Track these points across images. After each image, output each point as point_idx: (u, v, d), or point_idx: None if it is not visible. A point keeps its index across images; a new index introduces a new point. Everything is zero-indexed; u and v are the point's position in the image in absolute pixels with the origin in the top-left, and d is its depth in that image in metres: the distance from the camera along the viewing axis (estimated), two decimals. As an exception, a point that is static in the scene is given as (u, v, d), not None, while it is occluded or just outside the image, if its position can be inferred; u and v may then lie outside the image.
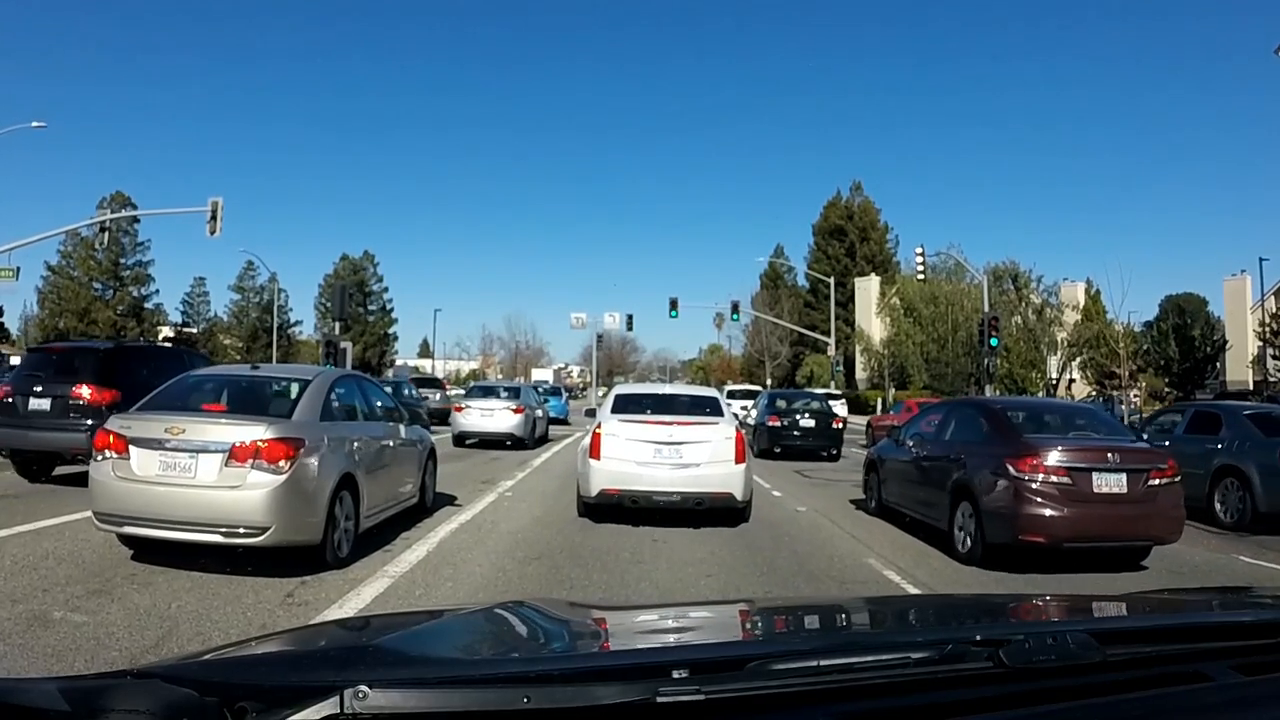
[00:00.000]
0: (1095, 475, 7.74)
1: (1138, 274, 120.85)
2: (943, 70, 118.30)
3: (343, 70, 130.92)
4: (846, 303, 67.92)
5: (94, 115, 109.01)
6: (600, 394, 72.33)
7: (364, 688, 1.20)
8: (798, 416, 20.75)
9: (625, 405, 10.65)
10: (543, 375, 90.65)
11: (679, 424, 9.93)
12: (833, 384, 48.71)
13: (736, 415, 12.42)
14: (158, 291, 74.47)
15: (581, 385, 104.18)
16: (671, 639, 2.03)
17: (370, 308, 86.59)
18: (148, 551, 6.81)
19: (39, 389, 11.15)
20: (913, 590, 7.28)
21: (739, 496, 9.71)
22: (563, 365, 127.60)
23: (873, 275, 68.11)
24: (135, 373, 11.33)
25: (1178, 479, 8.24)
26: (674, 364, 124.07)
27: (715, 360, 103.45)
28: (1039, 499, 7.66)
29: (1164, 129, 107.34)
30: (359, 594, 6.28)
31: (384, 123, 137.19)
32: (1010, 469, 7.83)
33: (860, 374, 63.40)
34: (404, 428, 9.32)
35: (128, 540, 6.90)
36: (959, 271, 49.18)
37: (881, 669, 1.42)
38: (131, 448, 6.52)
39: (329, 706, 1.19)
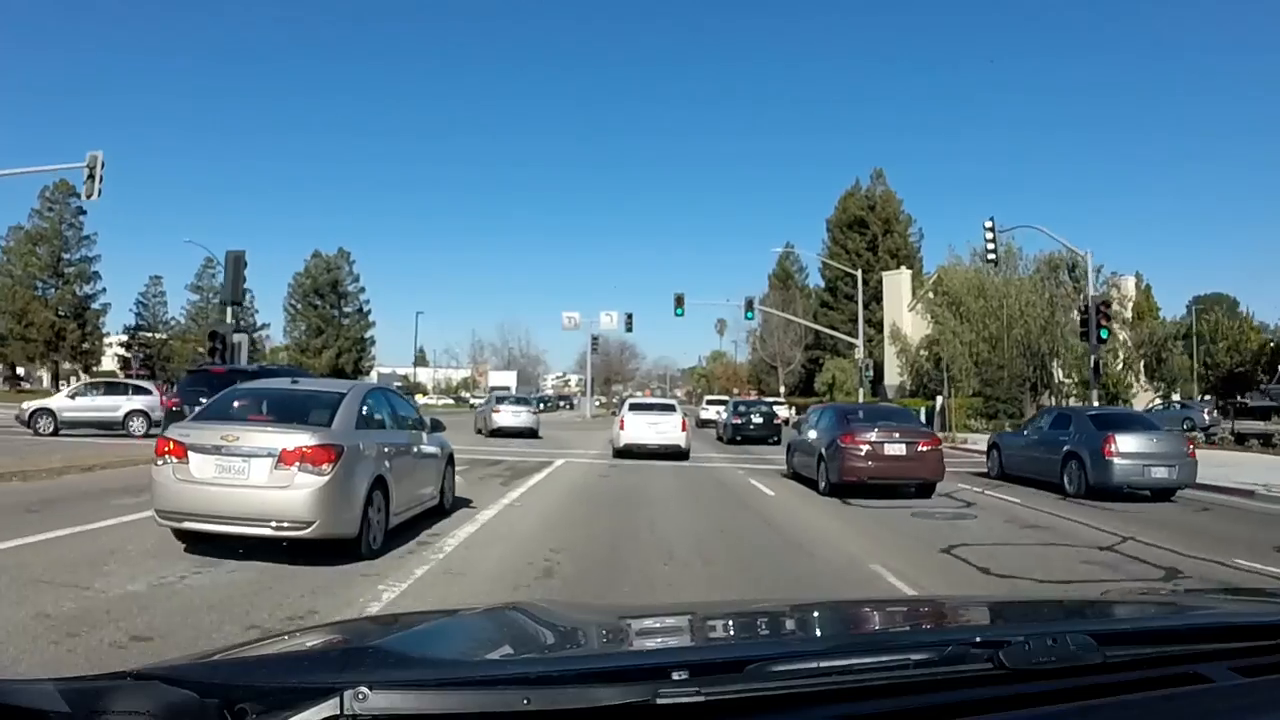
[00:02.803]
0: (886, 445, 13.95)
1: (1163, 271, 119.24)
2: (951, 60, 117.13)
3: (315, 55, 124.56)
4: (869, 303, 58.97)
5: (54, 97, 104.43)
6: (596, 404, 71.56)
7: (364, 689, 1.20)
8: (752, 416, 30.86)
9: (634, 408, 22.98)
10: (504, 380, 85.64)
11: (658, 414, 22.17)
12: (860, 392, 43.58)
13: (718, 414, 35.67)
14: (104, 290, 68.32)
15: (562, 396, 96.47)
16: (671, 640, 2.03)
17: (345, 309, 79.28)
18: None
19: (203, 400, 13.15)
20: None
21: (683, 446, 21.28)
22: (560, 374, 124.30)
23: (902, 269, 59.93)
24: None
25: (940, 446, 14.74)
26: (673, 372, 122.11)
27: (719, 367, 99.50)
28: (853, 458, 13.84)
29: (1191, 122, 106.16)
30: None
31: (362, 110, 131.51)
32: (840, 443, 14.03)
33: (894, 379, 54.39)
34: (426, 435, 10.07)
35: (181, 535, 7.68)
36: (1009, 260, 42.04)
37: (881, 670, 1.42)
38: (190, 453, 7.25)
39: (329, 708, 1.19)
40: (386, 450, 8.41)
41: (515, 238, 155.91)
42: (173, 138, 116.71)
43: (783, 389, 62.89)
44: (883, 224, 66.32)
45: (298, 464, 7.11)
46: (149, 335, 72.83)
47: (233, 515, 7.12)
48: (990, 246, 31.36)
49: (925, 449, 14.12)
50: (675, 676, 1.31)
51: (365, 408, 8.44)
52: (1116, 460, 14.23)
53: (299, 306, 77.33)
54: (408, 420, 9.74)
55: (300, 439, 7.24)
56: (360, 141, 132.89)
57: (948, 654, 1.46)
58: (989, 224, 30.18)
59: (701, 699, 1.27)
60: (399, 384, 74.14)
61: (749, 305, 46.82)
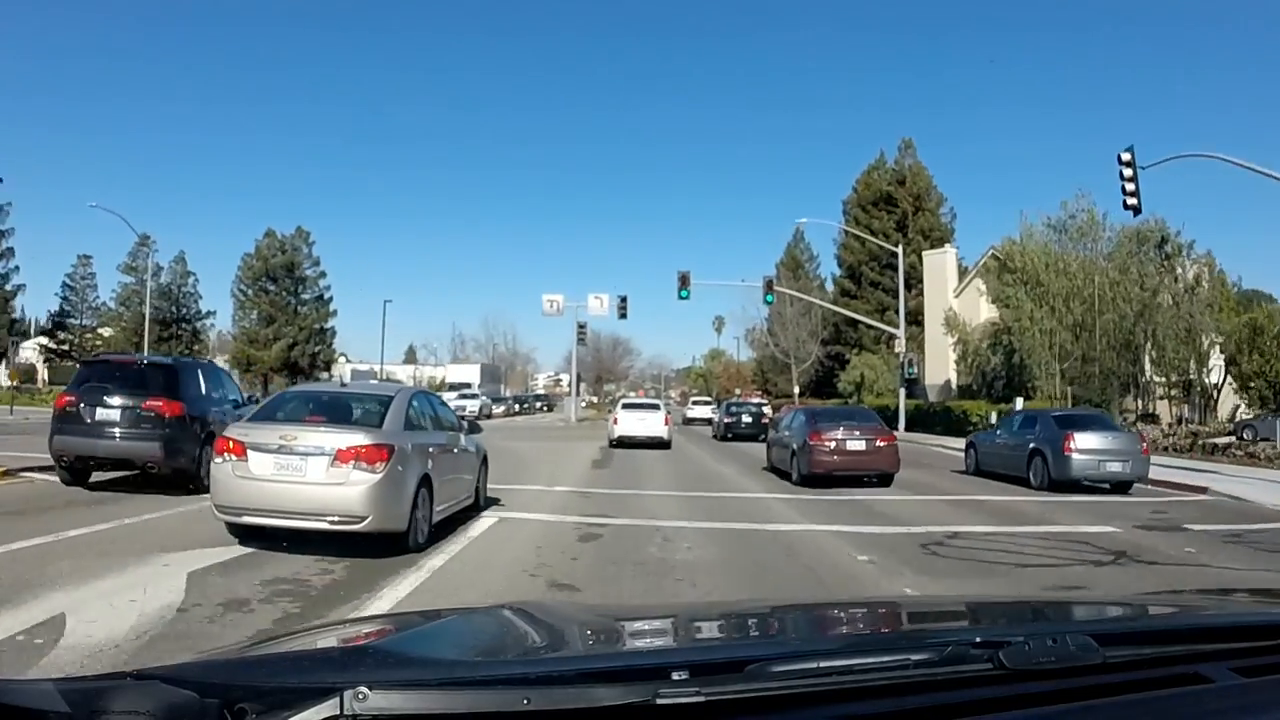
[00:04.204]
0: (848, 441, 16.02)
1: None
2: (968, 31, 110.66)
3: (268, 9, 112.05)
4: (896, 290, 49.53)
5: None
6: (583, 404, 65.62)
7: (364, 689, 1.20)
8: (742, 416, 33.63)
9: (626, 406, 28.60)
10: (465, 375, 75.69)
11: (645, 412, 27.36)
12: (902, 393, 36.92)
13: (705, 413, 48.76)
14: (18, 269, 57.48)
15: (539, 396, 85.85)
16: (671, 640, 2.03)
17: (303, 296, 68.27)
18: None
19: (107, 400, 11.47)
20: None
21: (665, 438, 25.65)
22: (552, 374, 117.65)
23: (947, 247, 50.33)
24: (191, 385, 12.22)
25: (894, 442, 16.72)
26: (668, 372, 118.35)
27: (718, 366, 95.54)
28: (819, 452, 15.84)
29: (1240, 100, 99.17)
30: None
31: (324, 75, 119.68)
32: (809, 440, 16.00)
33: (937, 376, 45.39)
34: (464, 437, 10.43)
35: (236, 528, 8.12)
36: (1090, 232, 33.91)
37: (882, 670, 1.42)
38: (250, 452, 7.70)
39: (329, 708, 1.19)
40: (431, 450, 8.84)
41: (500, 224, 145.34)
42: (105, 99, 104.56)
43: (796, 389, 55.68)
44: (913, 200, 56.82)
45: (353, 462, 7.55)
46: (73, 322, 62.89)
47: (290, 510, 7.59)
48: (1129, 186, 20.71)
49: (882, 444, 16.20)
50: (675, 676, 1.32)
51: (411, 410, 8.90)
52: (1075, 456, 15.71)
53: (248, 292, 67.43)
54: (447, 422, 10.18)
55: (355, 439, 7.73)
56: (320, 108, 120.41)
57: (948, 654, 1.46)
58: (1126, 155, 20.58)
59: (701, 699, 1.27)
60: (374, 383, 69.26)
61: (768, 287, 40.08)
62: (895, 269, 47.06)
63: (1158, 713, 1.41)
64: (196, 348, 63.18)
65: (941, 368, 45.35)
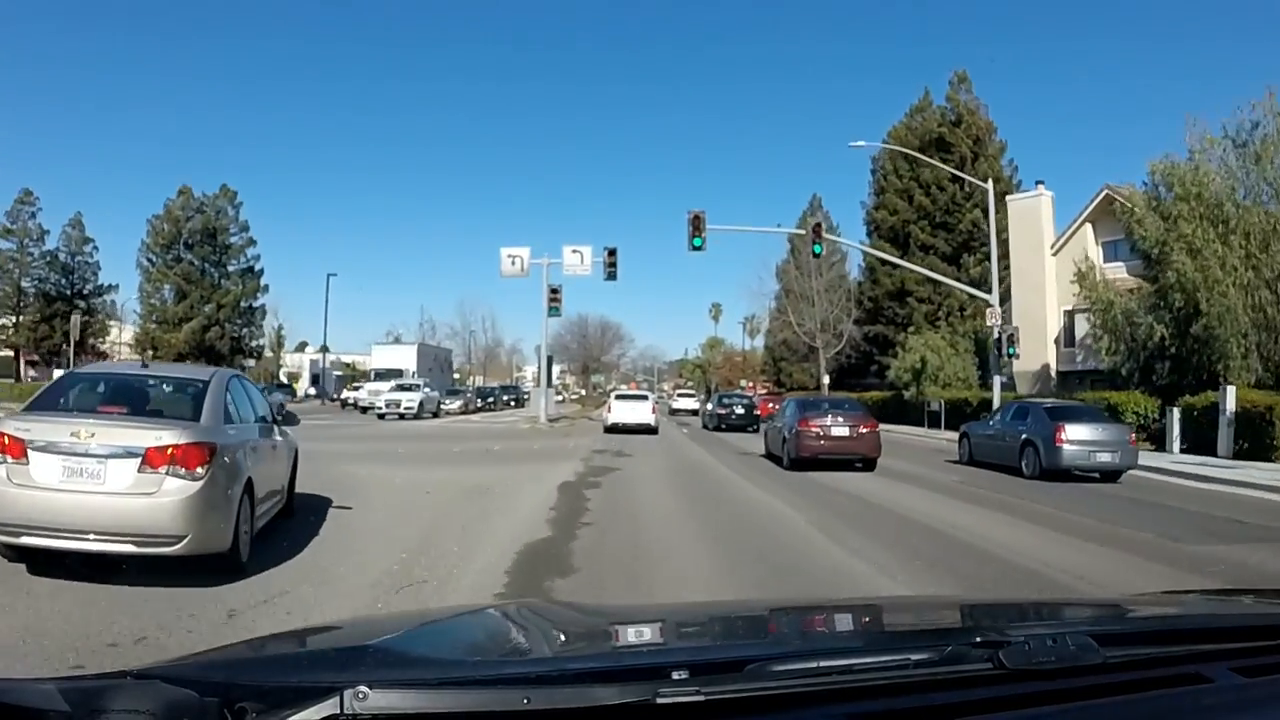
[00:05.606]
0: (833, 427, 17.11)
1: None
2: None
3: None
4: (958, 254, 44.26)
5: None
6: (558, 400, 57.02)
7: (364, 688, 1.20)
8: (734, 407, 34.46)
9: (619, 397, 33.67)
10: (398, 359, 53.20)
11: (635, 402, 32.38)
12: (997, 382, 28.32)
13: (692, 404, 54.38)
14: None
15: (506, 388, 73.81)
16: (671, 640, 2.03)
17: (227, 267, 58.23)
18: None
19: None
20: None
21: (652, 424, 30.89)
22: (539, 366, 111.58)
23: (1041, 189, 37.67)
24: None
25: (876, 429, 17.83)
26: (661, 364, 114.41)
27: (718, 357, 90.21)
28: (807, 438, 16.98)
29: None
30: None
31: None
32: (798, 427, 17.16)
33: (1036, 361, 34.11)
34: (277, 430, 9.01)
35: (19, 552, 6.27)
36: (1262, 159, 24.02)
37: (881, 670, 1.42)
38: (31, 452, 6.03)
39: (329, 707, 1.19)
40: (252, 449, 7.51)
41: (487, 207, 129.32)
42: None
43: (826, 379, 46.12)
44: (972, 144, 46.18)
45: (167, 466, 6.07)
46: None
47: (84, 529, 5.94)
48: None
49: (865, 431, 17.41)
50: (675, 676, 1.32)
51: (229, 398, 7.44)
52: (1065, 446, 16.21)
53: (157, 262, 57.17)
54: (261, 412, 8.67)
55: (169, 436, 6.21)
56: (254, 44, 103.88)
57: (948, 654, 1.46)
58: None
59: (701, 699, 1.28)
60: (339, 374, 59.92)
61: (816, 234, 29.68)
62: (950, 229, 41.49)
63: (1158, 713, 1.41)
64: (93, 332, 54.52)
65: (1038, 348, 33.66)
